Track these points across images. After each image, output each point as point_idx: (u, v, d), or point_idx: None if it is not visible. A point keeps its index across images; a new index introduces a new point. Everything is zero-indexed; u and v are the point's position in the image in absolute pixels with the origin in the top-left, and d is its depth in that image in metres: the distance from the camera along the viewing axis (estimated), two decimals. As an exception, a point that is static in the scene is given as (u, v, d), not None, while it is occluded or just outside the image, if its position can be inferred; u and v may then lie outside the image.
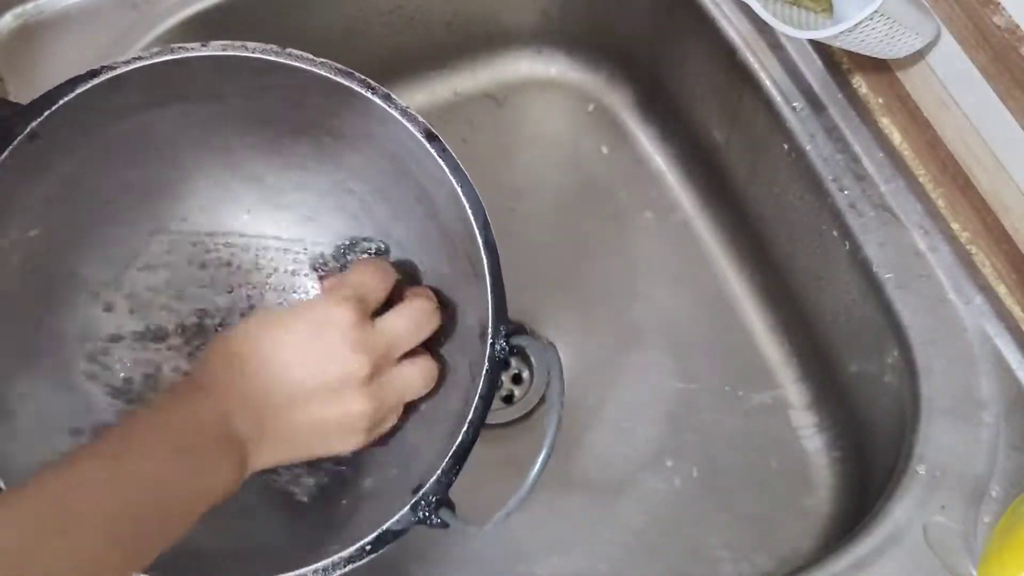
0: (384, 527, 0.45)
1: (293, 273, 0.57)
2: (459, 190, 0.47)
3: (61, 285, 0.50)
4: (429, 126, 0.48)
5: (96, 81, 0.46)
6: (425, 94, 0.80)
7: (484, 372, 0.46)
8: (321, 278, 0.56)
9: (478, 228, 0.47)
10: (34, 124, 0.45)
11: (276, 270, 0.57)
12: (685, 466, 0.68)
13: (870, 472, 0.63)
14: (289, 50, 0.48)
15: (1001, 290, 0.59)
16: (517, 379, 0.71)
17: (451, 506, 0.46)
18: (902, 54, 0.57)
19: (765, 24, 0.58)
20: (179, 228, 0.54)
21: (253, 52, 0.47)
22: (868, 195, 0.62)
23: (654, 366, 0.72)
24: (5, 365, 0.47)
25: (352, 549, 0.44)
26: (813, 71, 0.65)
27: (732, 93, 0.69)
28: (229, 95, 0.50)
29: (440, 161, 0.48)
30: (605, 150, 0.80)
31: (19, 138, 0.44)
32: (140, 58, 0.46)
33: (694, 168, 0.77)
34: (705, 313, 0.74)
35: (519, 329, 0.47)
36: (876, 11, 0.51)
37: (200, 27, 0.64)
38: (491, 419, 0.69)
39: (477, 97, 0.81)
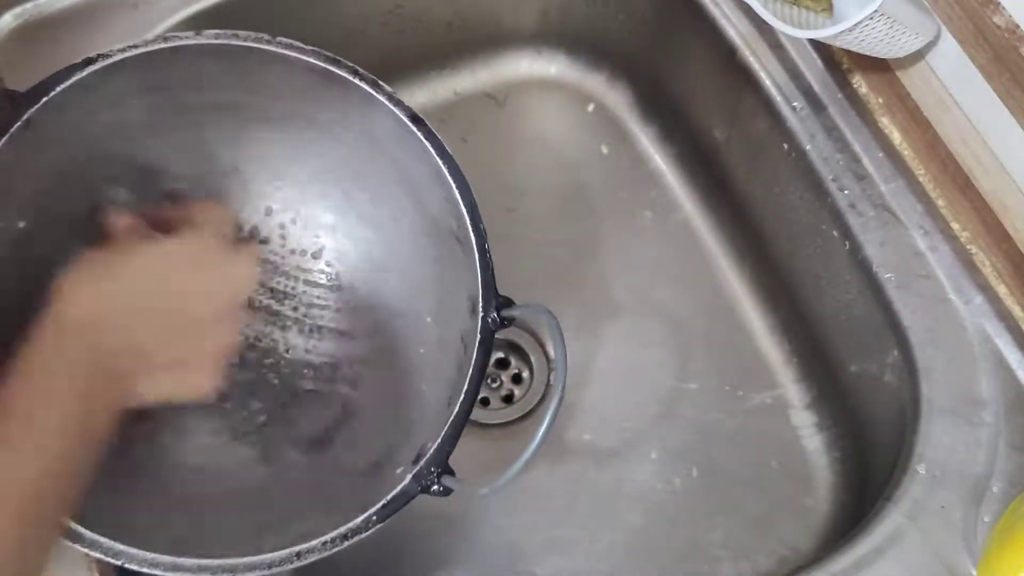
0: (389, 496, 0.45)
1: (267, 263, 0.57)
2: (445, 170, 0.49)
3: (49, 279, 0.50)
4: (414, 111, 0.49)
5: (92, 68, 0.46)
6: (425, 94, 0.80)
7: (477, 343, 0.47)
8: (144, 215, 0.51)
9: (465, 207, 0.49)
10: (30, 112, 0.45)
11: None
12: (685, 466, 0.68)
13: (870, 472, 0.63)
14: (279, 39, 0.49)
15: (1001, 290, 0.59)
16: (517, 379, 0.71)
17: (451, 472, 0.46)
18: (902, 54, 0.57)
19: (765, 24, 0.58)
20: None
21: (244, 41, 0.49)
22: (868, 195, 0.62)
23: (654, 365, 0.72)
24: None
25: (359, 520, 0.45)
26: (813, 71, 0.65)
27: (732, 93, 0.69)
28: (213, 86, 0.51)
29: (426, 143, 0.49)
30: (605, 150, 0.80)
31: (15, 126, 0.45)
32: (135, 46, 0.47)
33: (694, 168, 0.77)
34: (705, 313, 0.74)
35: (508, 302, 0.49)
36: (876, 11, 0.51)
37: (200, 27, 0.64)
38: (491, 419, 0.69)
39: (477, 97, 0.80)
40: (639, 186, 0.78)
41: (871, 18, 0.51)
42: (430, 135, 0.49)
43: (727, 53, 0.67)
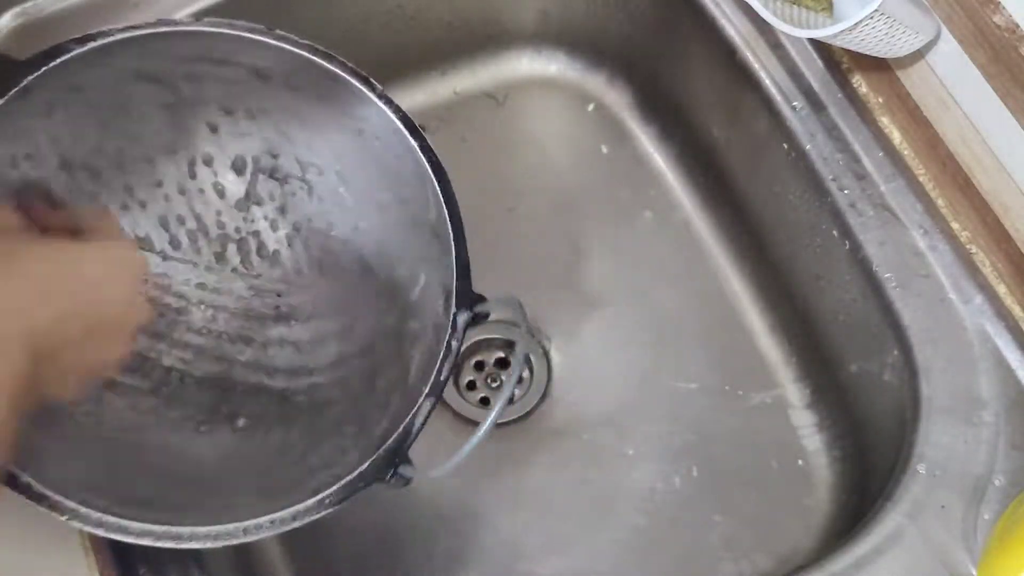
0: (344, 480, 0.46)
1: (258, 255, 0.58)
2: (429, 169, 0.50)
3: None
4: (404, 111, 0.50)
5: (91, 45, 0.47)
6: (425, 94, 0.80)
7: (447, 338, 0.48)
8: None
9: (444, 198, 0.49)
10: (29, 79, 0.45)
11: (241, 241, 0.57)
12: (685, 466, 0.68)
13: (870, 472, 0.63)
14: (276, 30, 0.50)
15: (1001, 290, 0.59)
16: (517, 379, 0.71)
17: (409, 462, 0.47)
18: (902, 53, 0.57)
19: (765, 24, 0.58)
20: (150, 197, 0.55)
21: (239, 30, 0.49)
22: (868, 195, 0.62)
23: (654, 366, 0.72)
24: None
25: (311, 501, 0.45)
26: (813, 70, 0.65)
27: (732, 93, 0.69)
28: (205, 76, 0.52)
29: (413, 143, 0.50)
30: (605, 150, 0.80)
31: (12, 92, 0.45)
32: (135, 27, 0.48)
33: (694, 168, 0.77)
34: (705, 313, 0.74)
35: (481, 298, 0.49)
36: (876, 10, 0.51)
37: (200, 27, 0.64)
38: (491, 419, 0.69)
39: (477, 97, 0.81)
40: (639, 186, 0.78)
41: (871, 18, 0.51)
42: (418, 135, 0.50)
43: (727, 53, 0.67)
